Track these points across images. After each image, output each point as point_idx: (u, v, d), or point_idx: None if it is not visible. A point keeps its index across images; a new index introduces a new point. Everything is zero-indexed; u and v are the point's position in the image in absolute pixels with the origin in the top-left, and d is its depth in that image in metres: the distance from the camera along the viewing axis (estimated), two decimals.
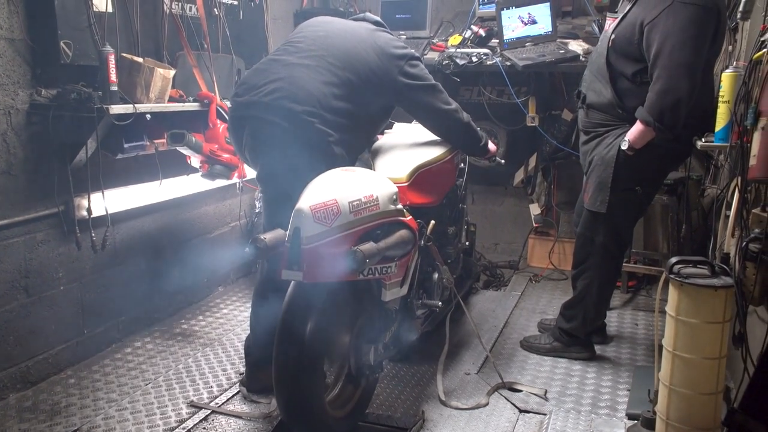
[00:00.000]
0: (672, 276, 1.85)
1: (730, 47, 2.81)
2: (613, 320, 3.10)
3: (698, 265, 1.88)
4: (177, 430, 2.14)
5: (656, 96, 2.25)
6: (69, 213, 2.47)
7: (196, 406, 2.29)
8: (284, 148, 2.05)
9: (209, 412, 2.26)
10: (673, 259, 1.88)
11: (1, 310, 2.28)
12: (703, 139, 2.24)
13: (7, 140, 2.26)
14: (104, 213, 2.56)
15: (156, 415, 2.24)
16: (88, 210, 2.51)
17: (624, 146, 2.38)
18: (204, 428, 2.17)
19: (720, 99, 2.11)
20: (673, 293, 1.86)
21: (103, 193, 2.53)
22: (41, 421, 2.17)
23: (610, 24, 2.53)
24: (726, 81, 2.08)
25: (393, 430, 2.15)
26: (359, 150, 2.29)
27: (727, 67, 2.14)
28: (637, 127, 2.34)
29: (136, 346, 2.79)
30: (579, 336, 2.71)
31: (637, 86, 2.38)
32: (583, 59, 3.24)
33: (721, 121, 2.12)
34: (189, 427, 2.16)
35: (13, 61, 2.25)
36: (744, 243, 1.87)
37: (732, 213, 2.04)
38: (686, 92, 2.21)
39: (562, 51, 3.38)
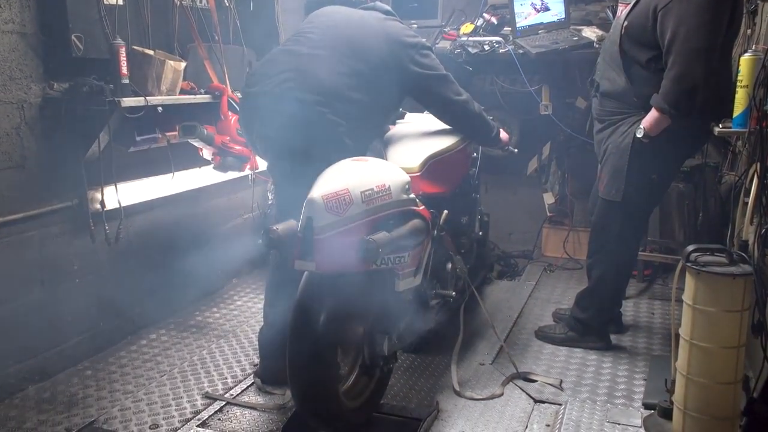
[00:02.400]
0: (689, 264, 1.82)
1: (749, 30, 2.75)
2: (628, 309, 3.07)
3: (716, 253, 1.85)
4: (192, 421, 2.15)
5: (671, 82, 2.21)
6: (83, 206, 2.49)
7: (210, 398, 2.31)
8: (296, 139, 2.04)
9: (224, 403, 2.27)
10: (690, 247, 1.85)
11: (18, 303, 2.30)
12: (720, 125, 2.20)
13: (20, 134, 2.27)
14: (118, 206, 2.57)
15: (171, 406, 2.25)
16: (102, 203, 2.52)
17: (639, 134, 2.34)
18: (219, 419, 2.18)
19: (738, 84, 2.07)
20: (690, 282, 1.83)
21: (116, 186, 2.55)
22: (59, 412, 2.20)
23: (622, 10, 2.48)
24: (744, 65, 2.04)
25: (407, 421, 2.15)
26: (369, 140, 2.28)
27: (745, 51, 2.10)
28: (653, 115, 2.30)
29: (151, 338, 2.81)
30: (594, 326, 2.69)
31: (651, 73, 2.34)
32: (597, 46, 3.20)
33: (739, 106, 2.08)
34: (204, 418, 2.17)
35: (26, 55, 2.26)
36: (763, 230, 1.84)
37: (751, 200, 2.01)
38: (702, 78, 2.17)
39: (576, 38, 3.33)
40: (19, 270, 2.30)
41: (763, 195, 1.91)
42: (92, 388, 2.37)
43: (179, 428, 2.11)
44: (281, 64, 2.12)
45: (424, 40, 2.26)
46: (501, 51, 3.36)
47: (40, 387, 2.36)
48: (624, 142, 2.43)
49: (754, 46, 2.35)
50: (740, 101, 2.08)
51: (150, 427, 2.11)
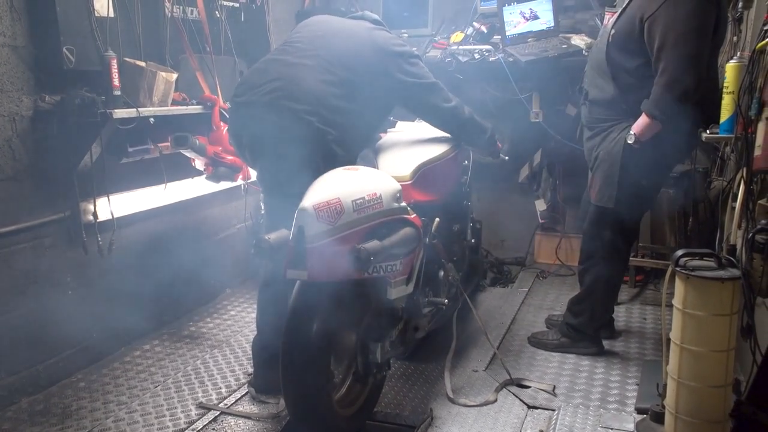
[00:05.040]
0: (678, 269, 1.84)
1: (735, 38, 2.79)
2: (621, 315, 3.09)
3: (704, 258, 1.87)
4: (186, 431, 2.15)
5: (662, 89, 2.24)
6: (75, 218, 2.49)
7: (205, 408, 2.30)
8: (284, 148, 2.05)
9: (218, 413, 2.27)
10: (679, 252, 1.87)
11: (10, 315, 2.30)
12: (708, 131, 2.22)
13: (12, 146, 2.27)
14: (110, 217, 2.58)
15: (165, 416, 2.25)
16: (94, 214, 2.52)
17: (630, 140, 2.37)
18: (213, 429, 2.18)
19: (724, 90, 2.10)
20: (679, 286, 1.85)
21: (108, 197, 2.55)
22: (53, 424, 2.19)
23: (609, 19, 2.51)
24: (730, 72, 2.07)
25: (401, 428, 2.15)
26: (359, 148, 2.30)
27: (731, 58, 2.13)
28: (643, 120, 2.33)
29: (144, 349, 2.80)
30: (587, 331, 2.70)
31: (638, 81, 2.36)
32: (586, 53, 3.23)
33: (725, 112, 2.10)
34: (198, 428, 2.17)
35: (17, 68, 2.27)
36: (750, 234, 1.85)
37: (738, 204, 2.03)
38: (692, 84, 2.20)
39: (565, 46, 3.37)
40: (12, 281, 2.30)
41: (750, 200, 1.93)
42: (86, 399, 2.36)
43: None
44: (269, 73, 2.14)
45: (412, 48, 2.28)
46: (491, 59, 3.39)
47: (33, 399, 2.35)
48: (615, 148, 2.45)
49: (739, 53, 2.39)
50: (726, 107, 2.11)
51: None
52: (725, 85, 2.08)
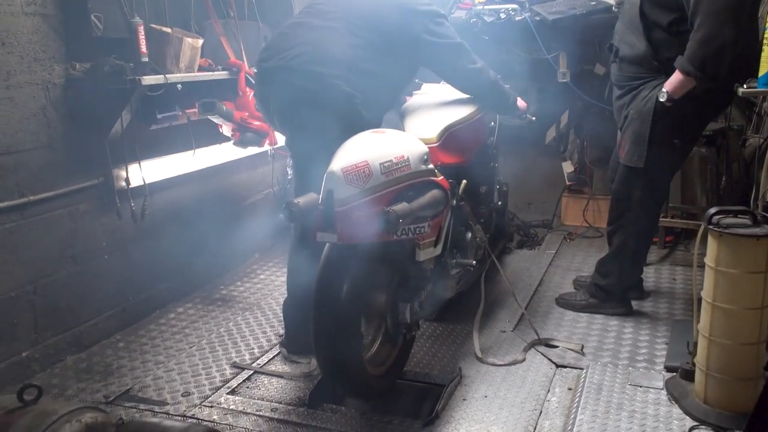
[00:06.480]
0: (711, 226, 1.81)
1: None
2: (650, 276, 3.07)
3: (738, 215, 1.84)
4: (222, 389, 2.23)
5: (698, 44, 2.16)
6: (108, 184, 2.54)
7: (239, 367, 2.37)
8: (311, 112, 2.06)
9: (252, 372, 2.34)
10: (712, 210, 1.85)
11: (51, 278, 2.38)
12: (745, 86, 2.16)
13: (47, 114, 2.32)
14: (142, 183, 2.63)
15: (201, 375, 2.32)
16: (127, 180, 2.57)
17: (662, 98, 2.30)
18: (248, 387, 2.25)
19: (765, 42, 2.03)
20: (712, 244, 1.83)
21: (139, 163, 2.60)
22: (96, 381, 2.29)
23: None
24: None
25: (431, 387, 2.20)
26: (385, 111, 2.28)
27: None
28: (677, 77, 2.26)
29: (178, 311, 2.88)
30: (615, 292, 2.69)
31: (672, 37, 2.29)
32: (616, 10, 3.13)
33: (765, 65, 2.04)
34: (233, 386, 2.24)
35: (48, 36, 2.29)
36: None
37: None
38: (731, 39, 2.11)
39: (593, 3, 3.27)
40: (52, 247, 2.37)
41: None
42: (125, 359, 2.46)
43: (210, 396, 2.18)
44: (295, 37, 2.13)
45: (438, 8, 2.24)
46: (517, 18, 3.31)
47: (77, 358, 2.45)
48: (646, 107, 2.39)
49: None
50: (766, 60, 2.04)
51: (182, 395, 2.19)
52: (765, 36, 2.00)
